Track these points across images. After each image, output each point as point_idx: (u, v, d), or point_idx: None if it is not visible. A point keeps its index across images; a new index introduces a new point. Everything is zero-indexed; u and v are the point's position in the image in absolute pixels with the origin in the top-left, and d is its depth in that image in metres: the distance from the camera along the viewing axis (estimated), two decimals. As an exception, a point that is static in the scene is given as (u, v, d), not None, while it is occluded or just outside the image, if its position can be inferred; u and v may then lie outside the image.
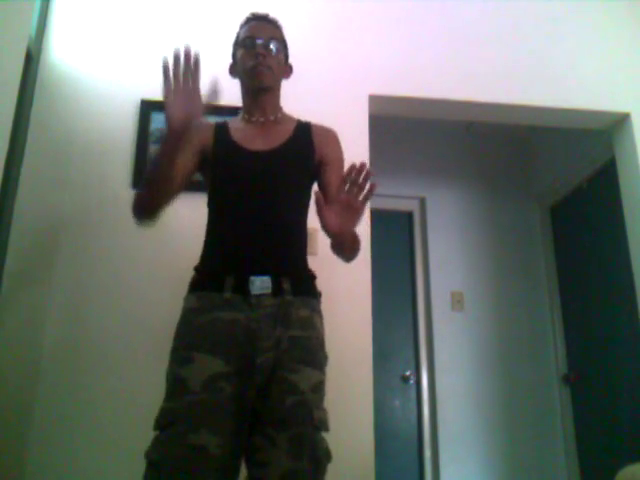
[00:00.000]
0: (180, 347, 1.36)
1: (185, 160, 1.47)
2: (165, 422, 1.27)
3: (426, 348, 3.55)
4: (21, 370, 2.01)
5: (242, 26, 1.63)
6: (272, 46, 1.55)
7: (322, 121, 2.55)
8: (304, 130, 1.59)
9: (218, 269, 1.42)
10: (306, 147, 1.56)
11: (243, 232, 1.44)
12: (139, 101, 2.33)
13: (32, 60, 2.25)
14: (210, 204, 1.53)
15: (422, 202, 3.83)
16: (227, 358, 1.32)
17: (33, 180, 2.18)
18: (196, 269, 1.47)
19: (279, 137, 1.54)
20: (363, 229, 2.35)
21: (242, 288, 1.37)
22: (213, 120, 1.62)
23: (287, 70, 1.65)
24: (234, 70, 1.63)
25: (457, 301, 3.59)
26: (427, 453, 3.39)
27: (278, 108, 1.61)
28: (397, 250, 3.77)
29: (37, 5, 2.28)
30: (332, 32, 2.59)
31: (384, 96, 2.53)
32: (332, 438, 2.10)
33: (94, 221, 2.21)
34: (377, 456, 2.14)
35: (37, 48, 2.29)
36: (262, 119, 1.56)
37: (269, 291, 1.38)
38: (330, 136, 1.62)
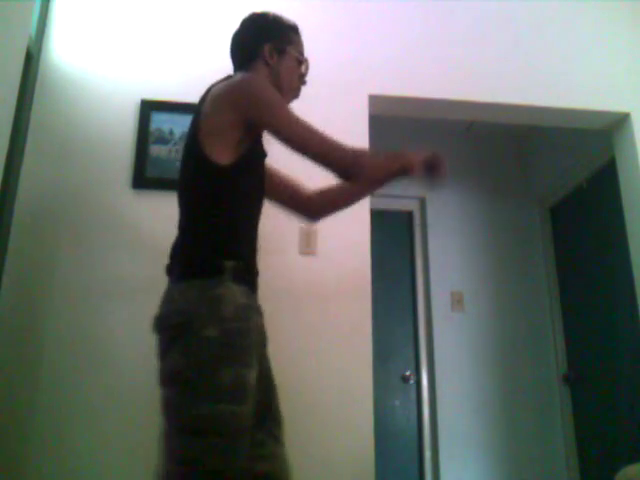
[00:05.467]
0: (243, 346, 1.25)
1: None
2: (237, 427, 1.19)
3: (426, 348, 3.55)
4: (21, 370, 2.01)
5: (296, 32, 1.60)
6: None
7: (322, 121, 2.55)
8: None
9: (251, 269, 1.40)
10: None
11: (255, 235, 1.46)
12: (139, 101, 2.33)
13: (32, 60, 2.25)
14: (236, 190, 1.37)
15: (422, 202, 3.83)
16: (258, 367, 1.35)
17: (33, 180, 2.18)
18: (233, 256, 1.32)
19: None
20: (363, 229, 2.36)
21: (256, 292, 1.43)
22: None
23: None
24: (273, 58, 1.53)
25: (457, 301, 3.59)
26: (427, 453, 3.39)
27: None
28: (397, 250, 3.77)
29: (37, 5, 2.28)
30: (332, 32, 2.58)
31: (384, 96, 2.53)
32: (332, 438, 2.11)
33: (94, 221, 2.21)
34: (377, 456, 2.14)
35: (37, 48, 2.29)
36: None
37: None
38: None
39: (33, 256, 2.12)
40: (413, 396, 3.52)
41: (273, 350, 2.18)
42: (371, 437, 2.13)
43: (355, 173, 1.39)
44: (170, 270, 1.39)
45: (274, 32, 1.55)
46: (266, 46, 1.51)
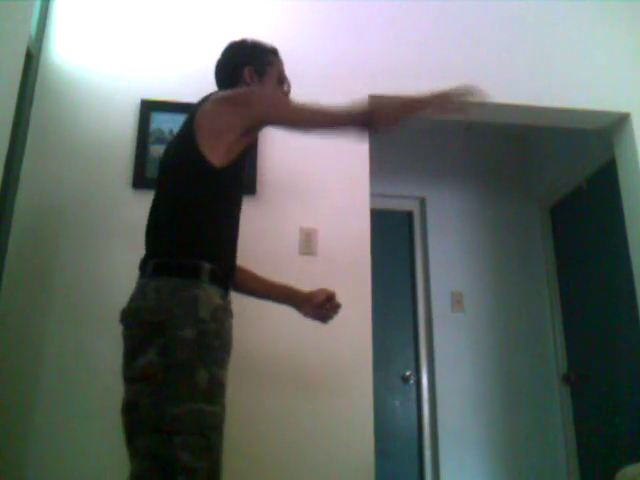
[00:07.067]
0: (218, 347, 1.27)
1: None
2: (212, 425, 1.22)
3: (426, 348, 3.55)
4: (21, 370, 2.01)
5: (275, 54, 1.67)
6: None
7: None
8: None
9: (228, 271, 1.43)
10: None
11: (236, 237, 1.50)
12: (139, 101, 2.33)
13: (32, 60, 2.25)
14: (223, 193, 1.42)
15: (422, 202, 3.83)
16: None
17: (33, 180, 2.18)
18: (211, 259, 1.35)
19: None
20: (363, 229, 2.36)
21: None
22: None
23: None
24: (254, 80, 1.60)
25: (457, 301, 3.58)
26: (427, 453, 3.39)
27: None
28: (397, 250, 3.77)
29: (37, 5, 2.28)
30: (332, 32, 2.59)
31: (384, 96, 2.53)
32: (332, 438, 2.11)
33: (94, 221, 2.21)
34: (377, 456, 2.14)
35: (37, 48, 2.29)
36: None
37: None
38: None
39: (33, 256, 2.12)
40: (413, 396, 3.52)
41: (273, 350, 2.18)
42: (371, 437, 2.13)
43: (372, 120, 1.44)
44: (144, 265, 1.39)
45: (252, 56, 1.63)
46: (246, 70, 1.59)
